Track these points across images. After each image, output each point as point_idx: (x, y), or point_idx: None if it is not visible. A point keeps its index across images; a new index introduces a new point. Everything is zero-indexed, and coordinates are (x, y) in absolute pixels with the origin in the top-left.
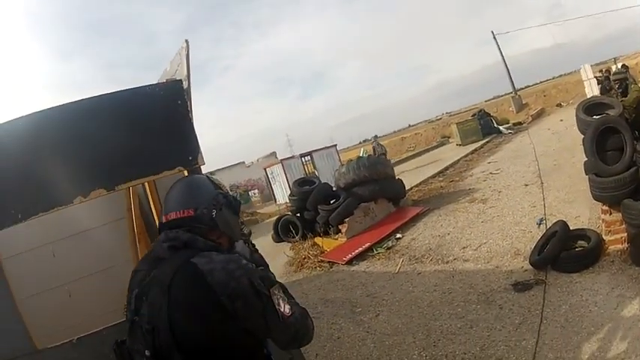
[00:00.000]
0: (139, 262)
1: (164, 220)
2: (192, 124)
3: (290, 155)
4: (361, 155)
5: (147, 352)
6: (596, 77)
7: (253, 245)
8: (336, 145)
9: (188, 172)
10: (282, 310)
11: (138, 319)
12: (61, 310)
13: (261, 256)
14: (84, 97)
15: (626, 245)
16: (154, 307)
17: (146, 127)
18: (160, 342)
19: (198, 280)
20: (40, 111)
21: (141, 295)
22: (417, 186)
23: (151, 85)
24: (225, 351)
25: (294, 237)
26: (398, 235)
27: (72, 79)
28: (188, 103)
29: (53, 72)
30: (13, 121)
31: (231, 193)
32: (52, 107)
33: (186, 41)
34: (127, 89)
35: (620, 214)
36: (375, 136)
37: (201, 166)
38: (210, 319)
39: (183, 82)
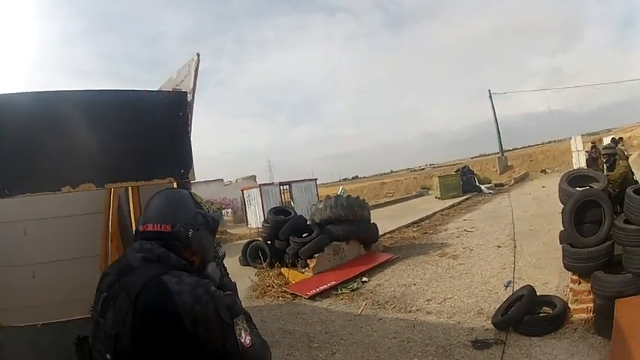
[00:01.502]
0: (109, 266)
1: (141, 229)
2: (189, 137)
3: (269, 181)
4: (340, 194)
5: (108, 356)
6: (586, 152)
7: (225, 269)
8: (316, 180)
9: (178, 185)
10: (242, 340)
11: (103, 321)
12: (25, 289)
13: (230, 281)
14: (95, 89)
15: (591, 315)
16: (119, 314)
17: (145, 132)
18: (122, 348)
19: (165, 299)
20: (47, 91)
21: (109, 300)
22: (390, 233)
23: (157, 91)
24: None
25: (261, 263)
26: (364, 279)
27: (72, 63)
28: (189, 116)
29: (54, 54)
30: (18, 94)
31: (212, 210)
32: (60, 91)
33: (198, 55)
34: (134, 90)
35: (589, 285)
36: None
37: (191, 182)
38: (171, 338)
39: (188, 95)
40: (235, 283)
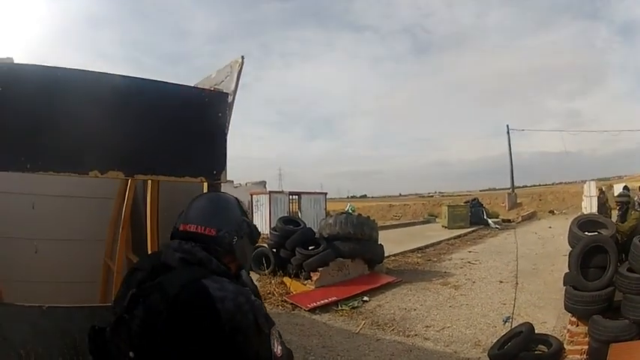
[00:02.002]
0: (139, 261)
1: (181, 229)
2: (226, 139)
3: (279, 189)
4: (348, 210)
5: (131, 354)
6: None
7: (248, 274)
8: (326, 194)
9: (209, 185)
10: (275, 350)
11: (128, 317)
12: (26, 264)
13: (257, 287)
14: (135, 76)
15: (585, 357)
16: (151, 314)
17: (183, 128)
18: (149, 348)
19: (207, 304)
20: (82, 70)
21: (138, 296)
22: (394, 255)
23: (198, 88)
24: None
25: (264, 270)
26: (365, 298)
27: (93, 45)
28: (228, 118)
29: (77, 33)
30: (58, 68)
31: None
32: (101, 72)
33: (242, 57)
34: (176, 84)
35: (586, 328)
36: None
37: (222, 183)
38: (207, 344)
39: (229, 97)
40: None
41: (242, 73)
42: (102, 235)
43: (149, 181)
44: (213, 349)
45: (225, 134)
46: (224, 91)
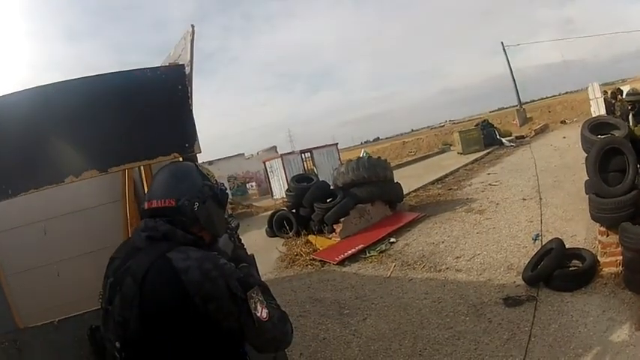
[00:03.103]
0: (116, 249)
1: (146, 207)
2: (191, 110)
3: (290, 150)
4: (362, 156)
5: (117, 344)
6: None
7: (239, 240)
8: (337, 144)
9: (183, 160)
10: (258, 314)
11: (111, 308)
12: (49, 289)
13: (246, 252)
14: (83, 76)
15: (620, 268)
16: (126, 299)
17: (144, 111)
18: (131, 335)
19: (171, 278)
20: (36, 87)
21: (115, 285)
22: (414, 191)
23: (152, 67)
24: (195, 349)
25: (287, 233)
26: (392, 240)
27: (80, 61)
28: (189, 89)
29: (61, 53)
30: (6, 95)
31: (221, 184)
32: (49, 84)
33: (192, 26)
34: (127, 70)
35: (617, 237)
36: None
37: (198, 155)
38: (181, 321)
39: (186, 68)
40: (253, 255)
41: (195, 41)
42: (119, 239)
43: (142, 170)
44: (188, 326)
45: (190, 105)
46: (180, 63)
